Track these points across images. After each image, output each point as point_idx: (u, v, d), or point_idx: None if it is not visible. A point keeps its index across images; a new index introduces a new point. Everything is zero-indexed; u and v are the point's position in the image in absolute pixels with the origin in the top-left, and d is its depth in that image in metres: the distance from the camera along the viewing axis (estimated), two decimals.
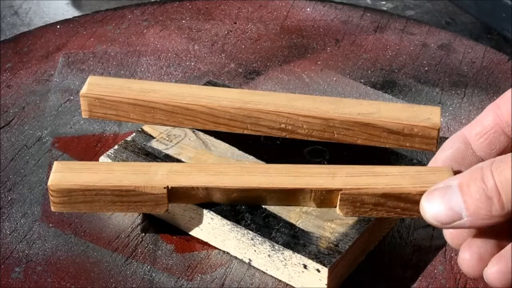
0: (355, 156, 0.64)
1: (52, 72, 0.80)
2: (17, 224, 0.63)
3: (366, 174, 0.56)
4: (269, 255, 0.58)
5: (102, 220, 0.63)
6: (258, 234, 0.58)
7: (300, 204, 0.57)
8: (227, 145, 0.65)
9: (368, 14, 0.89)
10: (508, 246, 0.48)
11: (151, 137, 0.66)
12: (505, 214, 0.46)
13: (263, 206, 0.59)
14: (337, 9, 0.90)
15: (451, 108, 0.76)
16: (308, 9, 0.90)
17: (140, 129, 0.67)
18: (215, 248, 0.61)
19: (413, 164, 0.63)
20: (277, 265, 0.58)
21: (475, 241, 0.50)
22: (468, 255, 0.50)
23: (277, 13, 0.90)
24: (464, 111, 0.75)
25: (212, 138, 0.66)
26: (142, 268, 0.59)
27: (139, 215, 0.63)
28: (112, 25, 0.87)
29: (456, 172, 0.52)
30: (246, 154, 0.64)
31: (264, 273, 0.59)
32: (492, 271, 0.48)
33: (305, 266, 0.56)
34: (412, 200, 0.54)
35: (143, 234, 0.62)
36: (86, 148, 0.70)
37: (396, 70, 0.81)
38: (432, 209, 0.49)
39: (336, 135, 0.63)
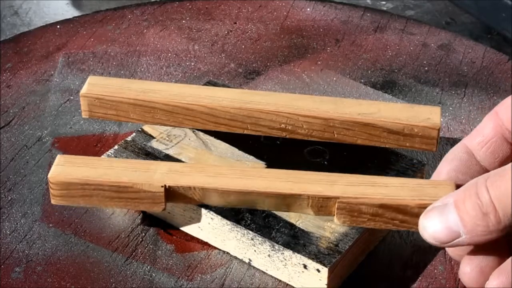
0: (355, 156, 0.64)
1: (52, 72, 0.80)
2: (17, 224, 0.63)
3: (365, 183, 0.56)
4: (269, 255, 0.58)
5: (102, 220, 0.63)
6: (258, 234, 0.58)
7: (297, 210, 0.57)
8: (227, 145, 0.65)
9: (368, 14, 0.89)
10: (509, 260, 0.48)
11: (151, 137, 0.66)
12: (502, 228, 0.46)
13: None
14: (337, 9, 0.90)
15: (451, 108, 0.76)
16: (308, 9, 0.90)
17: (140, 129, 0.67)
18: (215, 248, 0.61)
19: (413, 164, 0.63)
20: (277, 265, 0.58)
21: (476, 254, 0.50)
22: (469, 268, 0.50)
23: (277, 13, 0.90)
24: (464, 111, 0.75)
25: (212, 138, 0.66)
26: (142, 268, 0.59)
27: (139, 215, 0.63)
28: (112, 25, 0.87)
29: (458, 186, 0.52)
30: (246, 154, 0.64)
31: (264, 273, 0.59)
32: (494, 285, 0.48)
33: (305, 266, 0.56)
34: (411, 213, 0.54)
35: (143, 234, 0.62)
36: (86, 148, 0.70)
37: (396, 70, 0.81)
38: (430, 229, 0.49)
39: (336, 135, 0.63)
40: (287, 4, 0.91)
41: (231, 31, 0.87)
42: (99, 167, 0.58)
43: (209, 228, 0.60)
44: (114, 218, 0.63)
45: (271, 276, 0.59)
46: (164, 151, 0.65)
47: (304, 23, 0.88)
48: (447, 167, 0.53)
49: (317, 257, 0.56)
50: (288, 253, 0.57)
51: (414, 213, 0.54)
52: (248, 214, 0.59)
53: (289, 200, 0.56)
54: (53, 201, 0.59)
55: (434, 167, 0.68)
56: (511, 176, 0.45)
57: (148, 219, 0.63)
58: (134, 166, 0.59)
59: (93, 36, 0.85)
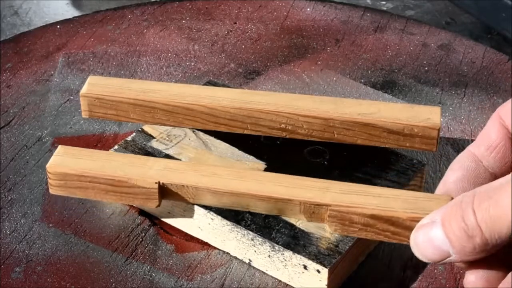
0: (355, 156, 0.64)
1: (52, 72, 0.80)
2: (17, 224, 0.63)
3: (359, 193, 0.56)
4: (269, 256, 0.58)
5: (102, 220, 0.63)
6: (258, 234, 0.58)
7: (290, 215, 0.57)
8: (227, 145, 0.65)
9: (368, 14, 0.89)
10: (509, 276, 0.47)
11: (151, 137, 0.66)
12: (490, 248, 0.44)
13: None
14: (337, 9, 0.90)
15: (451, 108, 0.76)
16: (308, 9, 0.90)
17: (140, 129, 0.67)
18: (215, 248, 0.61)
19: (413, 164, 0.63)
20: (277, 265, 0.58)
21: (479, 264, 0.48)
22: (473, 277, 0.48)
23: (277, 13, 0.90)
24: (464, 111, 0.75)
25: (212, 138, 0.66)
26: (142, 268, 0.59)
27: (139, 215, 0.63)
28: (112, 25, 0.87)
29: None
30: (246, 154, 0.64)
31: (264, 273, 0.59)
32: None
33: (305, 267, 0.56)
34: (402, 225, 0.53)
35: (143, 234, 0.62)
36: (86, 148, 0.70)
37: (396, 70, 0.81)
38: (420, 247, 0.47)
39: (336, 135, 0.62)
40: (287, 4, 0.91)
41: (231, 31, 0.87)
42: (97, 160, 0.59)
43: (209, 228, 0.60)
44: (114, 218, 0.63)
45: (271, 276, 0.59)
46: (164, 151, 0.65)
47: (304, 23, 0.88)
48: (453, 176, 0.51)
49: (317, 257, 0.56)
50: (288, 253, 0.57)
51: (406, 226, 0.53)
52: (248, 214, 0.59)
53: (280, 205, 0.56)
54: (51, 191, 0.60)
55: (434, 167, 0.68)
56: (500, 197, 0.43)
57: (148, 219, 0.63)
58: (131, 161, 0.59)
59: (93, 36, 0.85)
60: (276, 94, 0.65)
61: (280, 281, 0.58)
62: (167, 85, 0.66)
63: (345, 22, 0.88)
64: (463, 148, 0.52)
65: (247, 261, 0.60)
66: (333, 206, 0.55)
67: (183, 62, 0.82)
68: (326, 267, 0.55)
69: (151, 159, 0.60)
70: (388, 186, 0.60)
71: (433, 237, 0.46)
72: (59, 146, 0.60)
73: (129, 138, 0.66)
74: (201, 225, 0.60)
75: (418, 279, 0.59)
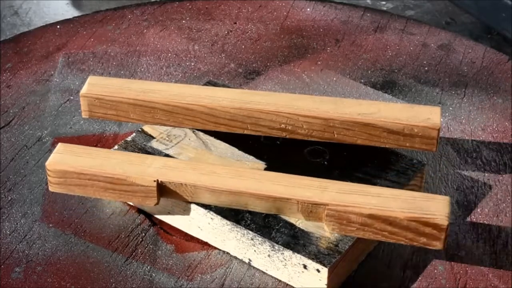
0: (355, 156, 0.64)
1: (52, 72, 0.80)
2: (17, 224, 0.63)
3: (357, 192, 0.56)
4: (269, 255, 0.58)
5: (102, 220, 0.63)
6: (258, 234, 0.58)
7: (288, 214, 0.57)
8: (227, 145, 0.65)
9: (368, 14, 0.89)
10: None
11: (151, 137, 0.66)
12: None
13: None
14: (337, 9, 0.90)
15: (451, 108, 0.76)
16: (308, 9, 0.90)
17: (140, 129, 0.67)
18: (215, 248, 0.61)
19: (413, 164, 0.63)
20: (277, 265, 0.58)
21: None
22: None
23: (277, 13, 0.90)
24: (464, 111, 0.75)
25: (212, 138, 0.66)
26: (142, 268, 0.59)
27: (139, 214, 0.63)
28: (112, 25, 0.87)
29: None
30: (246, 154, 0.64)
31: (264, 273, 0.59)
32: None
33: (305, 266, 0.56)
34: (400, 225, 0.54)
35: (143, 234, 0.62)
36: None
37: (396, 70, 0.81)
38: None
39: (336, 135, 0.62)
40: (287, 4, 0.91)
41: (231, 31, 0.87)
42: (97, 158, 0.60)
43: (209, 228, 0.60)
44: (114, 218, 0.63)
45: (271, 276, 0.59)
46: (164, 151, 0.65)
47: (304, 23, 0.88)
48: None
49: (317, 257, 0.56)
50: (288, 253, 0.57)
51: (403, 225, 0.53)
52: (248, 214, 0.59)
53: (279, 204, 0.56)
54: (50, 188, 0.60)
55: (434, 167, 0.68)
56: None
57: (148, 219, 0.63)
58: (130, 159, 0.60)
59: (93, 36, 0.85)
60: (276, 94, 0.65)
61: (280, 280, 0.58)
62: (167, 85, 0.66)
63: (345, 22, 0.88)
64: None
65: (247, 261, 0.60)
66: (330, 206, 0.55)
67: (183, 62, 0.82)
68: (326, 267, 0.55)
69: (150, 157, 0.60)
70: (388, 186, 0.60)
71: None
72: (59, 144, 0.61)
73: (129, 138, 0.66)
74: (201, 224, 0.60)
75: (418, 279, 0.59)
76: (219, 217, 0.59)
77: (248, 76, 0.80)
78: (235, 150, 0.65)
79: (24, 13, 1.61)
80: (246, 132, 0.64)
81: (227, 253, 0.60)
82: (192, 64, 0.82)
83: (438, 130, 0.61)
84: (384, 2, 1.65)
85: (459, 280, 0.59)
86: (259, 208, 0.57)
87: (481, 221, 0.63)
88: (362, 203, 0.54)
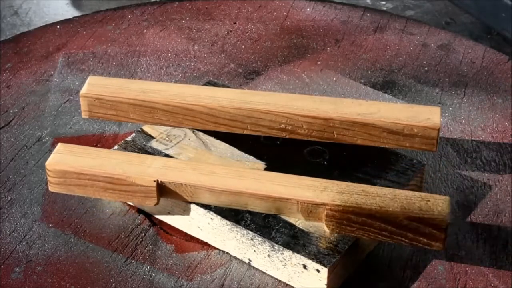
0: (355, 156, 0.64)
1: (52, 72, 0.80)
2: (17, 224, 0.63)
3: (357, 192, 0.56)
4: (269, 255, 0.58)
5: (102, 220, 0.63)
6: (258, 234, 0.58)
7: (288, 214, 0.57)
8: (227, 145, 0.65)
9: (368, 14, 0.89)
10: None
11: (151, 137, 0.66)
12: None
13: None
14: (337, 9, 0.90)
15: (451, 108, 0.76)
16: (308, 9, 0.90)
17: (140, 129, 0.67)
18: (215, 248, 0.61)
19: (413, 164, 0.63)
20: (276, 265, 0.58)
21: None
22: None
23: (277, 13, 0.90)
24: (464, 111, 0.75)
25: (212, 138, 0.66)
26: (142, 268, 0.59)
27: (139, 214, 0.63)
28: (112, 25, 0.87)
29: None
30: (246, 154, 0.64)
31: (264, 273, 0.59)
32: None
33: (304, 266, 0.56)
34: (400, 225, 0.54)
35: (143, 234, 0.62)
36: None
37: (396, 70, 0.81)
38: None
39: (336, 135, 0.63)
40: (287, 4, 0.91)
41: (231, 31, 0.87)
42: (97, 158, 0.59)
43: (209, 228, 0.60)
44: (114, 218, 0.63)
45: (270, 276, 0.59)
46: (164, 151, 0.65)
47: (304, 23, 0.88)
48: None
49: (317, 257, 0.56)
50: (288, 253, 0.57)
51: (403, 225, 0.53)
52: (248, 214, 0.59)
53: (278, 204, 0.56)
54: (50, 188, 0.60)
55: (434, 167, 0.68)
56: None
57: (148, 219, 0.63)
58: (130, 159, 0.60)
59: (93, 36, 0.85)
60: (276, 94, 0.65)
61: (279, 281, 0.58)
62: (167, 85, 0.66)
63: (345, 22, 0.88)
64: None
65: (246, 261, 0.60)
66: (330, 206, 0.55)
67: (183, 62, 0.82)
68: (325, 267, 0.55)
69: (150, 157, 0.60)
70: (388, 186, 0.60)
71: None
72: (59, 144, 0.61)
73: (129, 139, 0.66)
74: (201, 225, 0.60)
75: (418, 279, 0.59)
76: (219, 217, 0.59)
77: (248, 76, 0.80)
78: (235, 150, 0.65)
79: (24, 13, 1.61)
80: (246, 132, 0.64)
81: (227, 253, 0.60)
82: (192, 64, 0.82)
83: (438, 130, 0.61)
84: (384, 2, 1.66)
85: (459, 280, 0.59)
86: (259, 208, 0.57)
87: (481, 221, 0.63)
88: (362, 203, 0.54)
